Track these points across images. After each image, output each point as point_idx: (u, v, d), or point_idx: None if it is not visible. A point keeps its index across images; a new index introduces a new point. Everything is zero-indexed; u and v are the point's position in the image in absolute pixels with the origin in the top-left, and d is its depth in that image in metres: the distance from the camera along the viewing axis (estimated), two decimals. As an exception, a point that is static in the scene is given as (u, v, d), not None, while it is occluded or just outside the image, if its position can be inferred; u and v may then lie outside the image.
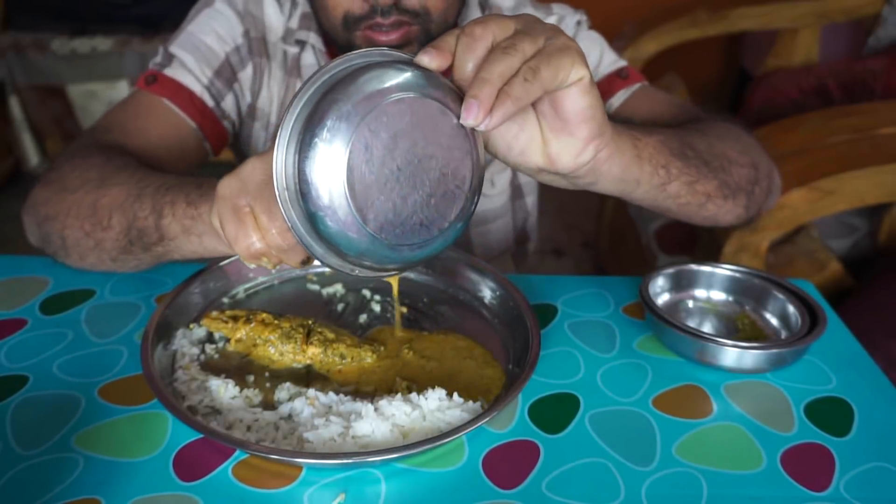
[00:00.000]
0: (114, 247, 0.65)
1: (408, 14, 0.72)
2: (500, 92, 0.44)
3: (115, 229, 0.63)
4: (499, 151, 0.52)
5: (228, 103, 0.84)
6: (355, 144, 0.44)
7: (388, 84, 0.44)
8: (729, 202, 0.68)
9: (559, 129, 0.50)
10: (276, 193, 0.46)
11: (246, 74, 0.84)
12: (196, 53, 0.80)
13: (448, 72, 0.47)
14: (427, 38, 0.75)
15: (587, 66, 0.47)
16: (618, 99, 0.83)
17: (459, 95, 0.47)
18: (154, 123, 0.78)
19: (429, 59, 0.46)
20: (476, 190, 0.50)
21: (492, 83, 0.44)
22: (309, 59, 0.84)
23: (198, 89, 0.80)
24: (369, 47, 0.74)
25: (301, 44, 0.84)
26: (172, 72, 0.80)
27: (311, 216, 0.46)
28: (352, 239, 0.46)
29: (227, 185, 0.52)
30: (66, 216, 0.65)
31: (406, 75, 0.45)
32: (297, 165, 0.45)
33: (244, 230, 0.51)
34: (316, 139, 0.44)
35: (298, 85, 0.85)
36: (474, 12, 0.85)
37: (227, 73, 0.82)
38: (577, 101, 0.48)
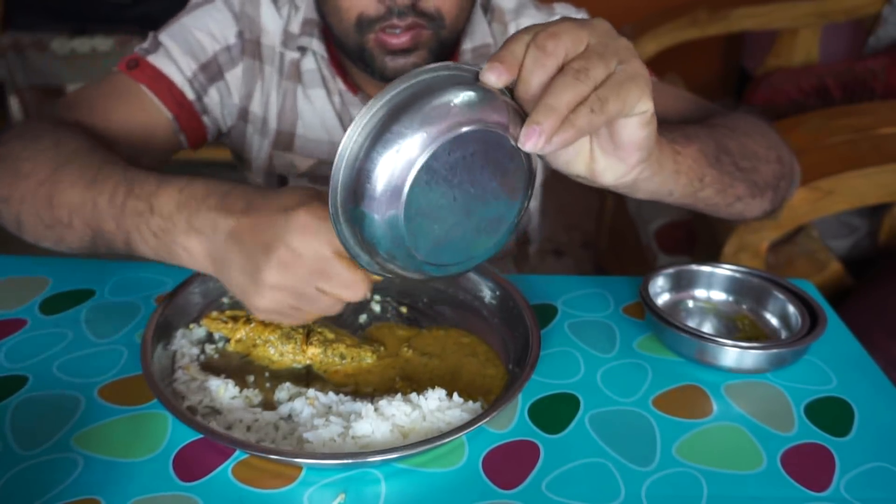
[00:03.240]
0: (77, 243, 0.62)
1: (423, 17, 0.72)
2: (564, 119, 0.43)
3: (77, 230, 0.61)
4: (545, 156, 0.52)
5: (212, 100, 0.82)
6: (416, 176, 0.44)
7: (450, 117, 0.43)
8: (757, 199, 0.68)
9: (610, 151, 0.50)
10: (331, 197, 0.46)
11: (234, 75, 0.83)
12: (184, 45, 0.79)
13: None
14: (438, 44, 0.75)
15: (651, 98, 0.47)
16: None
17: (520, 114, 0.46)
18: (124, 108, 0.76)
19: (495, 78, 0.44)
20: (524, 209, 0.51)
21: (558, 112, 0.42)
22: (310, 65, 0.84)
23: (179, 80, 0.79)
24: (383, 48, 0.74)
25: (302, 50, 0.84)
26: (156, 59, 0.79)
27: (360, 216, 0.45)
28: (391, 248, 0.47)
29: (275, 277, 0.51)
30: (21, 202, 0.63)
31: (470, 101, 0.44)
32: (360, 172, 0.44)
33: (290, 320, 0.55)
34: (381, 161, 0.43)
35: (300, 90, 0.84)
36: (477, 15, 0.85)
37: (213, 70, 0.81)
38: (636, 132, 0.48)
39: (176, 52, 0.79)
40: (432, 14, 0.72)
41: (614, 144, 0.49)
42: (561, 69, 0.44)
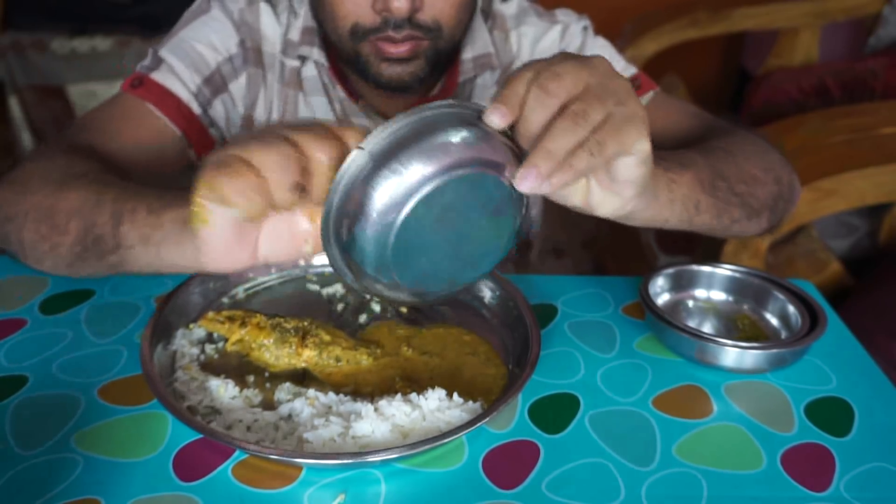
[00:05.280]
0: (68, 253, 0.61)
1: (420, 29, 0.71)
2: (561, 162, 0.44)
3: (71, 235, 0.60)
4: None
5: (217, 112, 0.82)
6: (412, 210, 0.44)
7: (452, 156, 0.44)
8: (753, 221, 0.69)
9: (606, 186, 0.50)
10: (324, 215, 0.45)
11: (238, 85, 0.83)
12: (186, 60, 0.79)
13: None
14: (435, 54, 0.75)
15: (649, 137, 0.47)
16: None
17: (517, 154, 0.46)
18: (133, 127, 0.76)
19: (499, 120, 0.45)
20: (513, 245, 0.52)
21: (556, 156, 0.43)
22: (310, 72, 0.83)
23: (185, 96, 0.78)
24: (379, 55, 0.73)
25: (302, 58, 0.83)
26: (160, 76, 0.78)
27: (351, 238, 0.46)
28: (376, 274, 0.47)
29: (207, 159, 0.46)
30: (25, 218, 0.63)
31: (471, 140, 0.44)
32: (357, 198, 0.44)
33: (228, 169, 0.44)
34: (378, 190, 0.44)
35: (301, 98, 0.84)
36: (478, 23, 0.85)
37: (217, 83, 0.81)
38: (632, 170, 0.48)
39: (179, 68, 0.78)
40: (430, 25, 0.72)
41: (611, 180, 0.49)
42: (561, 110, 0.44)
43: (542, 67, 0.45)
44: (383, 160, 0.43)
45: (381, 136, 0.44)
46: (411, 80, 0.76)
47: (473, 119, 0.45)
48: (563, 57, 0.46)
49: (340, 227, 0.46)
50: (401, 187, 0.43)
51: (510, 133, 0.46)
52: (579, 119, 0.44)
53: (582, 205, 0.52)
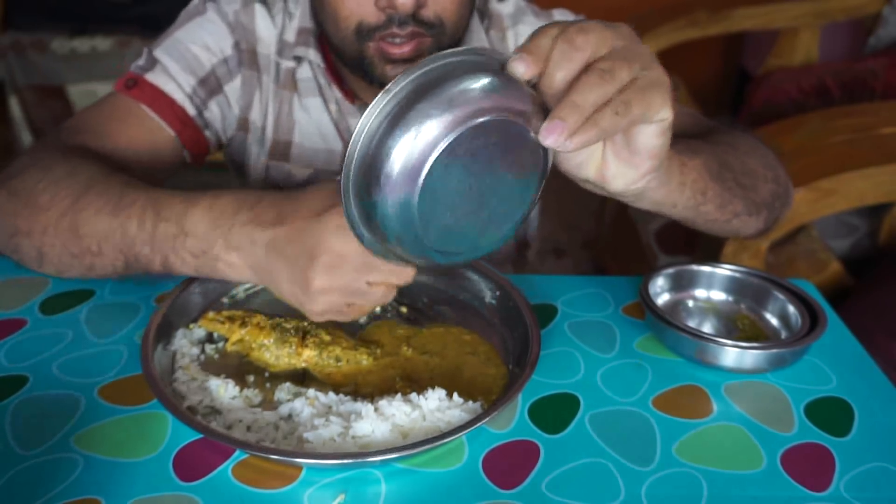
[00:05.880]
0: (108, 270, 0.63)
1: (423, 25, 0.71)
2: (587, 118, 0.43)
3: (107, 256, 0.62)
4: (556, 157, 0.51)
5: (213, 113, 0.82)
6: (437, 159, 0.43)
7: (475, 102, 0.43)
8: (753, 218, 0.69)
9: (623, 157, 0.50)
10: (343, 175, 0.45)
11: (233, 86, 0.82)
12: (181, 61, 0.78)
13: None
14: (439, 50, 0.74)
15: (672, 106, 0.47)
16: None
17: (542, 107, 0.45)
18: (127, 128, 0.76)
19: (523, 69, 0.44)
20: (535, 203, 0.51)
21: (582, 110, 0.42)
22: (305, 74, 0.83)
23: (179, 97, 0.78)
24: (383, 57, 0.73)
25: (298, 59, 0.83)
26: (154, 77, 0.78)
27: (373, 195, 0.45)
28: (400, 230, 0.46)
29: (324, 282, 0.54)
30: (43, 234, 0.63)
31: (496, 88, 0.43)
32: (378, 152, 0.44)
33: (348, 317, 0.59)
34: (402, 140, 0.43)
35: (296, 99, 0.84)
36: (474, 23, 0.84)
37: (212, 84, 0.81)
38: (653, 139, 0.48)
39: (174, 69, 0.78)
40: (432, 22, 0.71)
41: (629, 151, 0.49)
42: (586, 68, 0.44)
43: (567, 24, 0.45)
44: (406, 108, 0.43)
45: (402, 82, 0.43)
46: None
47: (496, 68, 0.44)
48: (588, 21, 0.46)
49: (362, 181, 0.45)
50: (425, 134, 0.43)
51: (534, 88, 0.45)
52: (606, 76, 0.43)
53: (595, 178, 0.51)
